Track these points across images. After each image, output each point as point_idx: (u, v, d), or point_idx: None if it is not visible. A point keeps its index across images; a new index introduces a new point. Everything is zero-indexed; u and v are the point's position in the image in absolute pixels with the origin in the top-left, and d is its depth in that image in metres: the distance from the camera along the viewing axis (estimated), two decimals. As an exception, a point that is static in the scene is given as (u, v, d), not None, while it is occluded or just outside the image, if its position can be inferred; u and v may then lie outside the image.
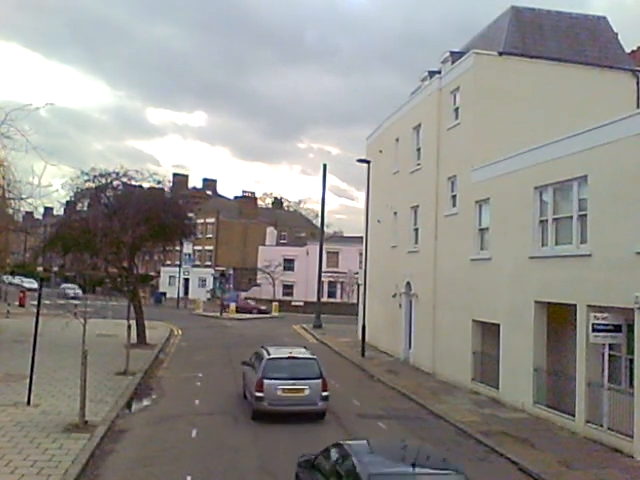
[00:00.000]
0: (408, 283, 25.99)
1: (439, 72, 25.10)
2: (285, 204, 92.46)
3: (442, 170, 23.15)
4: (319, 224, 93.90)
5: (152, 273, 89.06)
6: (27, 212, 39.21)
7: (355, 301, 60.13)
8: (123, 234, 24.18)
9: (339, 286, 60.82)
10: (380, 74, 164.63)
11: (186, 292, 73.22)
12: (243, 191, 78.11)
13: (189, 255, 75.56)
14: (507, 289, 17.96)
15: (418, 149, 26.03)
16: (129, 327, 21.52)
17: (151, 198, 27.30)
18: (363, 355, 27.04)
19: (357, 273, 61.04)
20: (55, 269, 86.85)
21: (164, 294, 67.08)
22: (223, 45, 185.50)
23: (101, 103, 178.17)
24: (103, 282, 45.45)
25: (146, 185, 27.49)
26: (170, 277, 74.30)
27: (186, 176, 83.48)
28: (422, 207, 24.97)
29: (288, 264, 63.74)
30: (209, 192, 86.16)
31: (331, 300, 58.06)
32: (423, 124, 25.35)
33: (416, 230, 25.89)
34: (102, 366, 20.65)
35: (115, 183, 27.26)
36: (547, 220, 16.35)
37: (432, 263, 23.36)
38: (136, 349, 25.23)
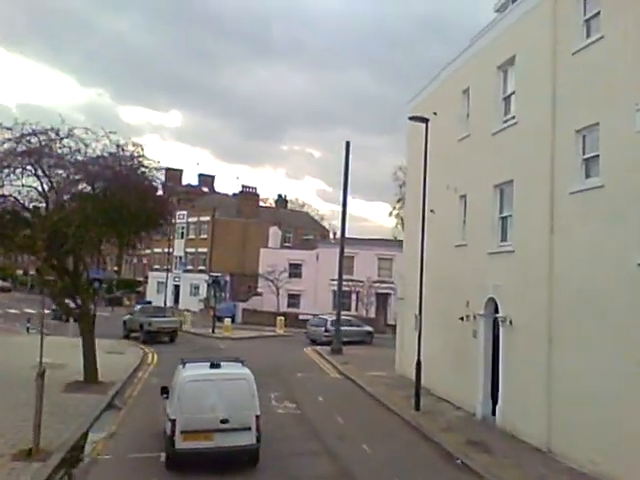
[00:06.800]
0: (491, 300, 17.10)
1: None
2: (290, 205, 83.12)
3: (564, 119, 14.30)
4: (327, 226, 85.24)
5: (140, 279, 79.93)
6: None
7: (373, 315, 51.47)
8: (52, 217, 15.25)
9: (354, 297, 51.69)
10: (355, 76, 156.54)
11: (176, 300, 64.09)
12: (243, 186, 68.06)
13: (180, 258, 66.56)
14: None
15: (507, 96, 17.23)
16: (42, 373, 12.57)
17: (107, 169, 18.46)
18: (418, 408, 18.02)
19: (377, 282, 52.34)
20: (32, 272, 78.02)
21: (149, 303, 57.69)
22: (190, 41, 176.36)
23: (72, 101, 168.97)
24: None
25: (100, 147, 18.54)
26: (159, 283, 65.16)
27: (180, 170, 73.98)
28: (520, 183, 16.10)
29: (294, 270, 54.36)
30: (205, 189, 76.92)
31: (345, 313, 48.90)
32: (520, 56, 16.51)
33: (503, 219, 17.07)
34: (2, 434, 11.92)
35: (56, 146, 18.42)
36: None
37: (545, 271, 14.47)
38: (78, 393, 16.64)
